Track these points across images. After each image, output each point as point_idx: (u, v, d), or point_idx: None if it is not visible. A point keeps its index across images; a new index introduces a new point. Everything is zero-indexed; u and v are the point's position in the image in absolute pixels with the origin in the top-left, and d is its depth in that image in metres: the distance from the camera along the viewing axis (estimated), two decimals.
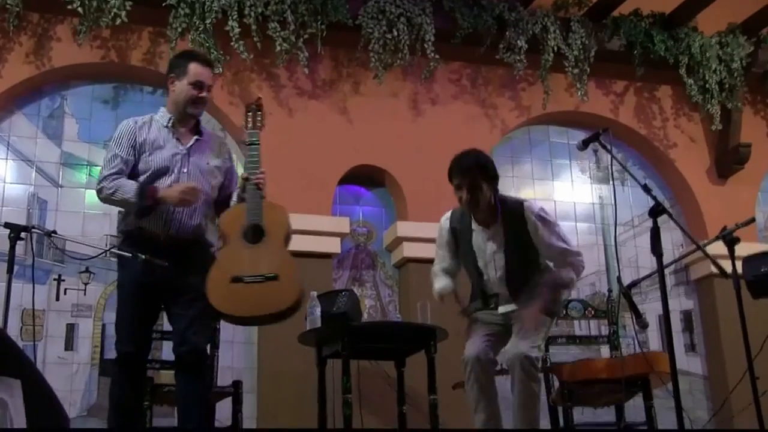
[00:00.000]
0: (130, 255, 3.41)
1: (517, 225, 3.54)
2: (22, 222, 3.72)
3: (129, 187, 3.32)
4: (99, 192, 3.38)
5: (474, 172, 3.48)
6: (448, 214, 3.74)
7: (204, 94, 3.50)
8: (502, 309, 3.60)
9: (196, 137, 3.52)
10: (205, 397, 3.36)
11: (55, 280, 4.92)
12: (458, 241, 3.68)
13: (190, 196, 3.28)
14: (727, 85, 6.02)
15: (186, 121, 3.53)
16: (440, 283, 3.68)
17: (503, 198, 3.63)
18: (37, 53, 5.13)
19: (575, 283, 3.65)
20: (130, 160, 3.38)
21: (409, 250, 5.34)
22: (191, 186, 3.30)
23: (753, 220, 3.79)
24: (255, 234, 3.33)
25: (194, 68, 3.47)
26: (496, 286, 3.61)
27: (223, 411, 3.84)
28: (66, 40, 5.17)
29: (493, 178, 3.54)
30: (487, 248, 3.58)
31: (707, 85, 5.98)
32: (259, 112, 3.60)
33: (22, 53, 5.11)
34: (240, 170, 3.68)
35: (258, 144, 3.50)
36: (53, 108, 5.28)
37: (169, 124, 3.47)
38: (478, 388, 3.40)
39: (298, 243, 5.20)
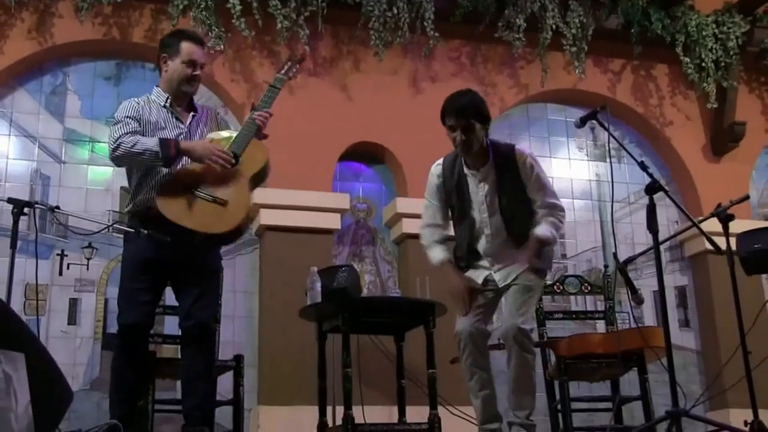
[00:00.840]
0: (133, 230, 3.46)
1: (509, 168, 3.48)
2: (25, 198, 3.75)
3: (149, 140, 3.32)
4: (116, 148, 3.29)
5: (468, 113, 3.41)
6: (440, 160, 3.68)
7: (198, 72, 3.50)
8: (491, 271, 3.54)
9: (192, 114, 3.54)
10: (209, 372, 3.39)
11: (58, 255, 4.97)
12: (449, 188, 3.60)
13: (212, 159, 3.29)
14: (722, 64, 6.06)
15: (181, 99, 3.54)
16: (438, 255, 3.63)
17: (494, 142, 3.56)
18: (38, 30, 5.15)
19: (557, 239, 3.59)
20: (139, 130, 3.38)
21: (409, 226, 5.38)
22: (217, 152, 3.30)
23: (747, 197, 3.82)
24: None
25: (186, 47, 3.48)
26: (487, 238, 3.53)
27: (224, 385, 3.90)
28: (68, 17, 5.18)
29: (486, 119, 3.46)
30: (479, 191, 3.51)
31: (703, 64, 6.01)
32: (297, 66, 3.74)
33: (24, 29, 5.12)
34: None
35: (278, 89, 3.60)
36: (55, 84, 5.31)
37: (167, 104, 3.49)
38: (472, 361, 3.43)
39: (298, 219, 5.31)
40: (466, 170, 3.56)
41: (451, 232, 3.69)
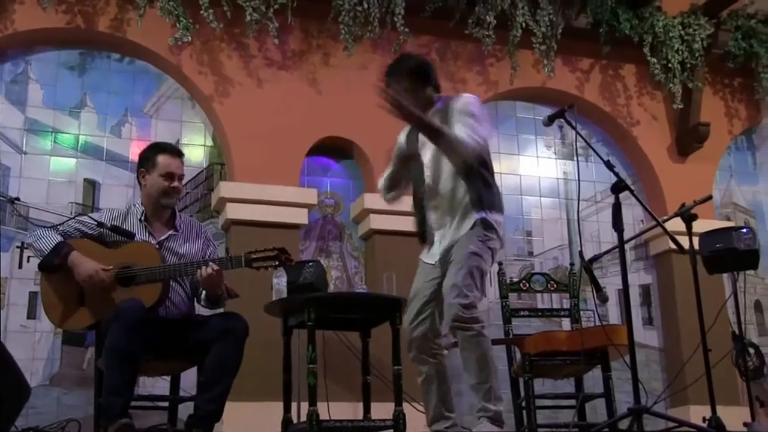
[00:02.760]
0: (96, 223, 3.44)
1: (448, 121, 3.30)
2: None
3: (51, 240, 3.40)
4: (31, 237, 3.48)
5: (394, 72, 3.35)
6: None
7: (175, 183, 3.56)
8: (436, 249, 3.38)
9: (170, 232, 3.59)
10: (236, 368, 3.36)
11: (18, 247, 4.87)
12: (409, 151, 3.47)
13: (89, 282, 3.34)
14: (688, 65, 6.13)
15: (160, 213, 3.60)
16: (380, 182, 3.52)
17: (446, 98, 3.42)
18: None
19: (461, 150, 3.21)
20: (73, 236, 3.46)
21: (376, 222, 5.38)
22: (99, 276, 3.33)
23: (710, 197, 3.90)
24: (127, 281, 3.41)
25: (163, 160, 3.55)
26: (432, 208, 3.38)
27: (188, 380, 3.86)
28: (30, 4, 5.06)
29: (421, 77, 3.34)
30: (424, 156, 3.40)
31: (670, 65, 6.08)
32: (274, 264, 3.48)
33: None
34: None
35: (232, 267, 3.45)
36: (16, 73, 5.19)
37: (142, 218, 3.55)
38: (419, 361, 3.41)
39: (265, 213, 5.27)
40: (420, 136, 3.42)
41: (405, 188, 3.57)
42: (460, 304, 3.14)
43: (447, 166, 3.33)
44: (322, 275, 4.21)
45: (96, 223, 3.45)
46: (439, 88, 3.47)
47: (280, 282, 4.02)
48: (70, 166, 5.16)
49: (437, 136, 3.25)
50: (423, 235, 3.51)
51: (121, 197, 5.02)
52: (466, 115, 3.27)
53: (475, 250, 3.23)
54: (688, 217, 3.54)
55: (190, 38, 5.18)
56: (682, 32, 6.12)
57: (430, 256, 3.45)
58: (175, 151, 3.65)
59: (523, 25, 5.77)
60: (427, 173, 3.42)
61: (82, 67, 5.33)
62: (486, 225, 3.27)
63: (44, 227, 3.49)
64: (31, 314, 4.83)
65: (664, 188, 6.17)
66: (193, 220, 3.88)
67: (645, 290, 6.19)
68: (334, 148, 5.66)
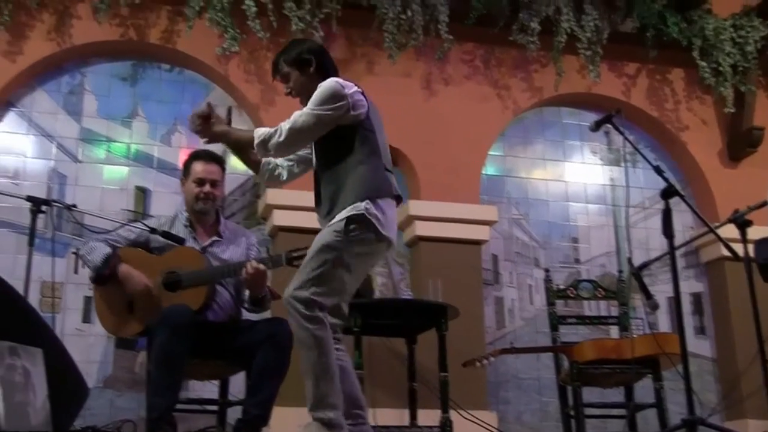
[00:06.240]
0: (147, 229, 3.52)
1: None
2: (43, 196, 3.78)
3: (101, 251, 3.49)
4: (82, 249, 3.58)
5: (276, 64, 3.16)
6: None
7: (207, 189, 3.64)
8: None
9: (214, 238, 3.66)
10: (280, 372, 3.38)
11: (73, 253, 4.97)
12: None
13: (139, 292, 3.45)
14: (740, 68, 6.01)
15: (202, 219, 3.69)
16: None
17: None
18: (58, 30, 5.19)
19: (267, 143, 2.95)
20: (119, 245, 3.59)
21: (421, 229, 5.39)
22: (147, 289, 3.45)
23: (765, 203, 3.79)
24: (173, 286, 3.49)
25: (195, 167, 3.67)
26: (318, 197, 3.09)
27: (236, 385, 3.90)
28: (86, 18, 5.22)
29: (299, 62, 3.09)
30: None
31: (720, 68, 5.96)
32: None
33: (44, 30, 5.17)
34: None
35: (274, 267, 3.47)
36: (73, 84, 5.35)
37: (187, 223, 3.66)
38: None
39: (309, 220, 5.26)
40: None
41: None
42: (302, 297, 2.84)
43: (323, 149, 3.07)
44: (368, 282, 4.24)
45: (149, 229, 3.53)
46: (325, 72, 3.11)
47: None
48: (122, 174, 5.28)
49: (244, 145, 3.08)
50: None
51: (170, 204, 5.11)
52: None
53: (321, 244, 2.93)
54: (743, 223, 3.47)
55: (237, 48, 5.26)
56: (734, 34, 6.00)
57: None
58: (209, 157, 3.70)
59: (568, 30, 5.73)
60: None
61: (134, 78, 5.45)
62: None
63: (95, 238, 3.59)
64: (86, 318, 4.94)
65: (715, 194, 6.05)
66: (238, 226, 3.94)
67: (696, 299, 6.07)
68: None
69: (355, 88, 3.04)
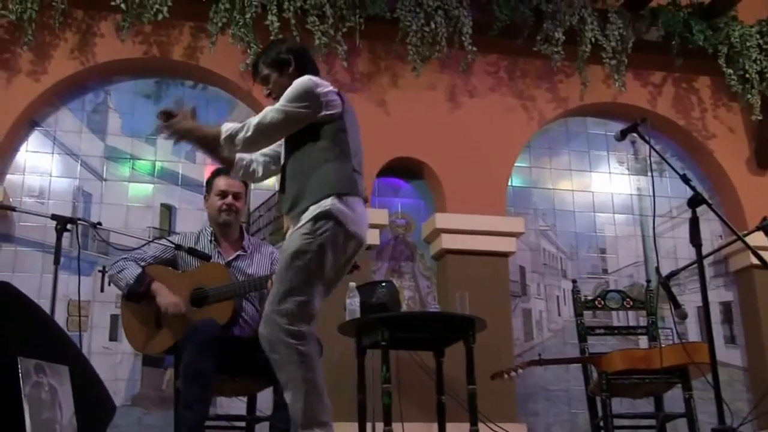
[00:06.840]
0: (173, 245, 3.55)
1: None
2: (68, 215, 3.81)
3: (133, 271, 3.58)
4: (109, 270, 3.72)
5: (255, 67, 3.14)
6: None
7: (229, 200, 3.70)
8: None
9: (239, 252, 3.71)
10: None
11: (99, 271, 5.01)
12: None
13: (172, 311, 3.50)
14: (767, 75, 5.95)
15: (227, 234, 3.75)
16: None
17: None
18: (81, 49, 5.25)
19: (234, 138, 2.89)
20: (146, 263, 3.67)
21: (448, 242, 5.37)
22: (178, 308, 3.50)
23: None
24: (199, 302, 3.53)
25: (218, 181, 3.75)
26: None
27: (263, 400, 3.90)
28: (109, 36, 5.28)
29: (277, 63, 3.05)
30: None
31: (747, 75, 5.90)
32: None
33: (67, 49, 5.23)
34: None
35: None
36: (97, 103, 5.40)
37: (212, 238, 3.72)
38: None
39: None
40: None
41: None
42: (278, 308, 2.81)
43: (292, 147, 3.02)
44: (395, 295, 4.23)
45: (174, 245, 3.55)
46: (304, 72, 3.03)
47: (353, 302, 4.04)
48: (147, 191, 5.32)
49: (211, 141, 2.98)
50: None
51: (195, 221, 5.14)
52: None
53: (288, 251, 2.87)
54: None
55: None
56: (760, 41, 5.94)
57: None
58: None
59: (593, 40, 5.71)
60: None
61: (158, 95, 5.50)
62: None
63: (122, 257, 3.62)
64: (113, 336, 4.96)
65: (743, 202, 5.97)
66: (262, 242, 3.95)
67: (725, 308, 5.99)
68: (404, 169, 5.67)
69: (330, 88, 3.00)
